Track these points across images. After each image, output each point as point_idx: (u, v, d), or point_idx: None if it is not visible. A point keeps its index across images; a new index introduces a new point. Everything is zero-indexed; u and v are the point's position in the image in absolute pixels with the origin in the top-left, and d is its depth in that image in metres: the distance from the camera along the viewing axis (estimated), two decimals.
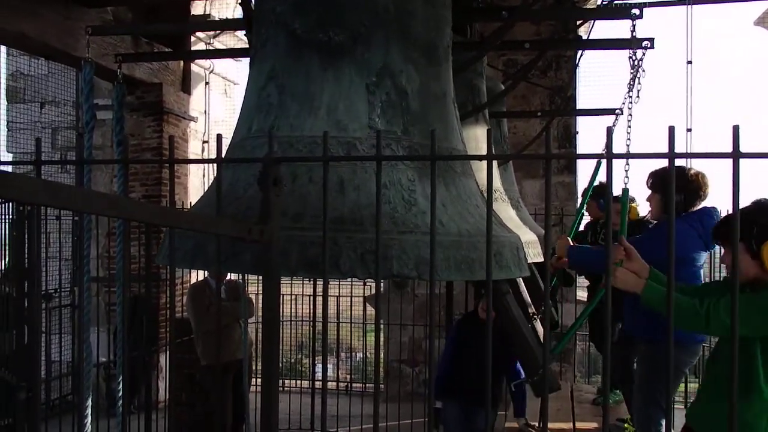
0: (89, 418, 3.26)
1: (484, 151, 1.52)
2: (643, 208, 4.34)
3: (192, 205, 7.02)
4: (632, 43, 2.83)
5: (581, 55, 5.92)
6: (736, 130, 1.35)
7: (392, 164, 1.78)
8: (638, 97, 2.85)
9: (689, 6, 5.76)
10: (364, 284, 8.31)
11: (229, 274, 5.28)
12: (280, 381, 6.72)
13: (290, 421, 6.36)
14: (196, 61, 8.21)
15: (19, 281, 4.26)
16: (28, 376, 3.80)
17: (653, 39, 2.98)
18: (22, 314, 4.23)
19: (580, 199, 5.16)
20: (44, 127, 8.38)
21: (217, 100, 8.92)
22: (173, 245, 1.62)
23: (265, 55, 1.98)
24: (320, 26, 1.88)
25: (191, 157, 8.21)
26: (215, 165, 1.68)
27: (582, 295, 7.78)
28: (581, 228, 4.73)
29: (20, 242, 4.36)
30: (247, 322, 5.29)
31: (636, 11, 2.72)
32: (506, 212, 3.25)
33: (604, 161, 1.48)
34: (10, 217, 4.84)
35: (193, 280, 6.42)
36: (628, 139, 2.82)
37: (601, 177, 3.27)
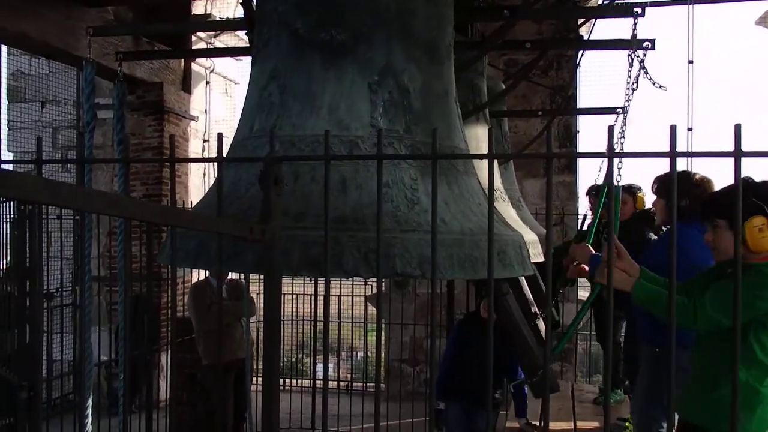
0: (90, 418, 3.27)
1: (484, 151, 1.52)
2: (649, 199, 4.33)
3: (192, 204, 7.03)
4: (633, 44, 2.83)
5: (582, 55, 5.91)
6: (738, 129, 1.35)
7: (395, 163, 1.78)
8: (630, 99, 2.84)
9: (690, 5, 5.75)
10: (365, 283, 8.31)
11: (230, 273, 5.28)
12: (281, 380, 6.72)
13: (291, 420, 6.36)
14: (197, 60, 8.21)
15: (21, 280, 4.26)
16: (30, 376, 3.80)
17: (654, 40, 2.97)
18: (24, 313, 4.23)
19: (587, 201, 5.14)
20: (45, 126, 8.38)
21: (217, 100, 8.92)
22: (174, 245, 1.62)
23: (267, 55, 1.98)
24: (322, 26, 1.88)
25: (192, 156, 8.22)
26: (216, 164, 1.68)
27: (583, 294, 7.78)
28: (584, 227, 4.73)
29: (21, 241, 4.36)
30: (249, 322, 5.29)
31: (638, 10, 2.71)
32: (507, 212, 3.25)
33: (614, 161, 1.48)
34: (12, 216, 4.84)
35: (194, 280, 6.42)
36: (622, 137, 2.82)
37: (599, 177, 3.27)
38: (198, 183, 8.25)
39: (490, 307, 1.53)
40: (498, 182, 3.34)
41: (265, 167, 1.43)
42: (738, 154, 1.35)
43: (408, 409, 6.32)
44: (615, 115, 3.05)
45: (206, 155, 8.42)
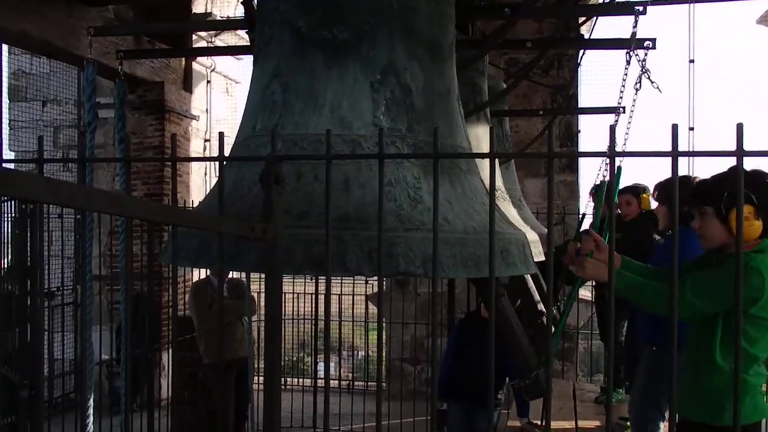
0: (92, 417, 3.27)
1: (486, 150, 1.52)
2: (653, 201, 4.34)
3: (194, 203, 7.04)
4: (633, 42, 2.82)
5: (583, 54, 5.90)
6: (740, 128, 1.35)
7: (397, 162, 1.78)
8: (633, 98, 2.84)
9: (691, 4, 5.74)
10: (366, 282, 8.31)
11: (231, 272, 5.28)
12: (283, 379, 6.71)
13: (292, 419, 6.36)
14: (198, 59, 8.21)
15: (22, 279, 4.26)
16: (31, 374, 3.80)
17: (655, 39, 2.97)
18: (25, 312, 4.23)
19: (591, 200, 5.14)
20: (46, 125, 8.39)
21: (218, 99, 8.92)
22: (176, 244, 1.63)
23: (269, 54, 1.98)
24: (324, 24, 1.88)
25: (193, 155, 8.22)
26: (217, 164, 1.68)
27: (584, 294, 7.78)
28: (585, 227, 4.74)
29: (22, 240, 4.36)
30: (250, 321, 5.29)
31: (639, 8, 2.71)
32: (509, 211, 3.25)
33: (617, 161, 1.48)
34: (13, 215, 4.84)
35: (195, 279, 6.42)
36: (627, 132, 2.82)
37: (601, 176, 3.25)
38: (199, 182, 8.25)
39: (492, 306, 1.53)
40: (499, 181, 3.34)
41: (266, 166, 1.43)
42: (740, 153, 1.35)
43: (409, 408, 6.32)
44: (615, 115, 3.03)
45: (207, 154, 8.42)
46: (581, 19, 5.22)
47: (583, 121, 8.12)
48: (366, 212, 1.69)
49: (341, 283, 8.61)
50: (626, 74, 2.81)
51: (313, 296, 6.51)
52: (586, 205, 4.92)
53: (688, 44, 7.88)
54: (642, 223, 4.65)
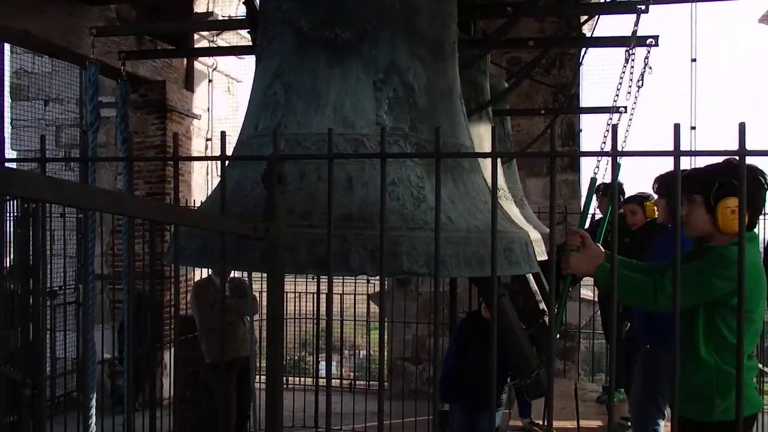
0: (94, 417, 3.27)
1: (488, 149, 1.52)
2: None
3: (196, 202, 7.04)
4: (633, 40, 2.82)
5: (585, 53, 5.90)
6: (742, 127, 1.35)
7: (401, 161, 1.78)
8: (635, 97, 2.84)
9: (693, 3, 5.74)
10: (368, 282, 8.32)
11: (233, 271, 5.29)
12: (284, 378, 6.72)
13: (294, 418, 6.37)
14: (200, 58, 8.21)
15: (24, 278, 4.27)
16: (33, 373, 3.81)
17: (657, 36, 2.97)
18: (27, 311, 4.24)
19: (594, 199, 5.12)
20: (48, 124, 8.39)
21: (220, 98, 8.92)
22: (178, 243, 1.63)
23: (271, 53, 1.98)
24: (326, 24, 1.88)
25: (194, 154, 8.22)
26: (219, 163, 1.68)
27: (585, 293, 7.78)
28: (586, 225, 4.73)
29: (25, 239, 4.36)
30: (252, 320, 5.29)
31: (641, 6, 2.71)
32: (510, 210, 3.25)
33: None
34: (15, 214, 4.85)
35: (197, 278, 6.43)
36: (627, 130, 2.82)
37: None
38: (201, 181, 8.26)
39: (494, 306, 1.53)
40: (502, 180, 3.34)
41: (268, 166, 1.43)
42: (742, 152, 1.35)
43: (411, 407, 6.32)
44: (617, 114, 3.03)
45: (209, 154, 8.43)
46: (583, 18, 5.21)
47: (585, 120, 8.11)
48: (369, 211, 1.69)
49: (343, 282, 8.62)
50: (624, 72, 2.81)
51: (315, 295, 6.52)
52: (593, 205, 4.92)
53: (690, 43, 7.89)
54: (648, 232, 4.62)
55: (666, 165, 4.90)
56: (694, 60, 7.86)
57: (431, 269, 1.65)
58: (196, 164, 8.09)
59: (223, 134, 1.68)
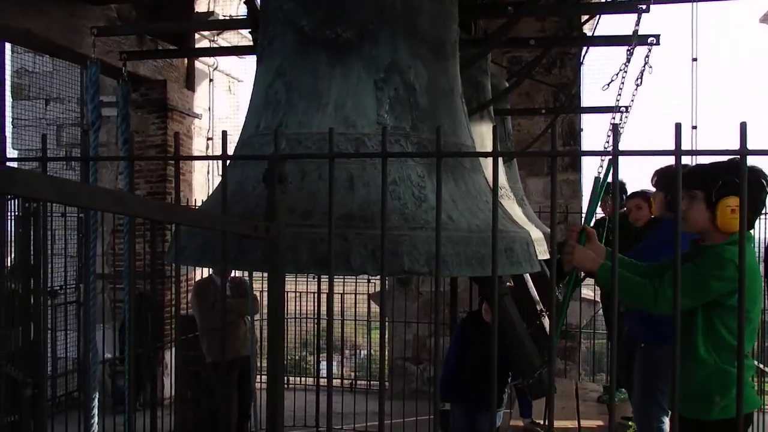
0: (96, 417, 3.27)
1: (489, 148, 1.52)
2: None
3: (197, 201, 7.04)
4: (634, 39, 2.81)
5: (586, 52, 5.90)
6: (743, 126, 1.35)
7: (402, 160, 1.78)
8: (634, 95, 2.83)
9: (694, 3, 5.74)
10: (368, 281, 8.31)
11: (233, 271, 5.29)
12: (285, 378, 6.71)
13: (295, 418, 6.37)
14: (200, 58, 8.22)
15: (25, 278, 4.27)
16: (35, 373, 3.81)
17: (659, 35, 2.97)
18: (28, 311, 4.25)
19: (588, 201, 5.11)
20: (49, 124, 8.40)
21: (221, 97, 8.93)
22: (179, 242, 1.63)
23: (272, 53, 1.98)
24: (327, 23, 1.88)
25: (195, 154, 8.22)
26: (220, 162, 1.68)
27: (586, 293, 7.78)
28: (591, 225, 4.72)
29: (26, 239, 4.37)
30: (253, 320, 5.30)
31: (642, 6, 2.71)
32: (513, 209, 3.25)
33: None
34: (16, 213, 4.85)
35: (198, 277, 6.43)
36: (622, 126, 2.81)
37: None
38: (202, 181, 8.26)
39: (494, 306, 1.53)
40: (503, 180, 3.34)
41: (269, 165, 1.43)
42: (743, 152, 1.35)
43: (411, 407, 6.32)
44: (618, 113, 3.02)
45: (210, 153, 8.43)
46: (584, 18, 5.20)
47: (586, 119, 8.11)
48: (370, 211, 1.69)
49: (344, 281, 8.60)
50: (625, 71, 2.80)
51: (316, 295, 6.52)
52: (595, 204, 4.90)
53: (691, 43, 7.88)
54: (653, 228, 4.61)
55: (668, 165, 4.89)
56: (695, 59, 7.86)
57: (432, 269, 1.65)
58: (197, 164, 8.09)
59: (224, 133, 1.68)
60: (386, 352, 7.77)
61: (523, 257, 1.89)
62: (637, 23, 2.83)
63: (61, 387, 6.60)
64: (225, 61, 8.80)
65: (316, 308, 6.63)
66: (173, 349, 6.19)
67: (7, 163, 3.91)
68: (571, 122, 7.78)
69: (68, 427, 4.93)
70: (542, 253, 3.15)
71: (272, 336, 1.50)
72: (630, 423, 4.45)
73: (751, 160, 1.36)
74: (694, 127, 7.78)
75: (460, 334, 4.47)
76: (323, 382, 6.29)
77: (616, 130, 1.52)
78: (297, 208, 1.67)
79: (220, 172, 1.73)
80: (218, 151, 1.70)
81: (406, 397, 6.63)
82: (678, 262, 1.43)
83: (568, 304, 2.69)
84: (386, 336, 7.67)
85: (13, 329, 4.35)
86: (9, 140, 7.79)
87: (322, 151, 1.74)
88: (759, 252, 4.60)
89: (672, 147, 1.39)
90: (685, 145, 1.39)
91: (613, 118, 2.86)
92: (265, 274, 1.50)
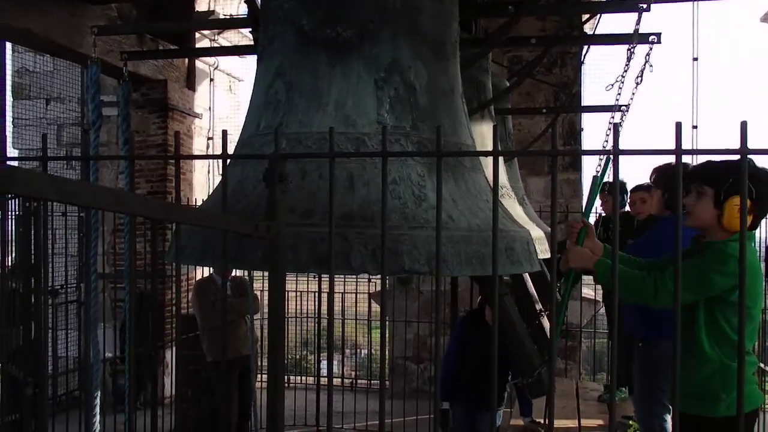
0: (98, 417, 3.28)
1: (490, 148, 1.52)
2: None
3: (197, 201, 7.04)
4: (639, 38, 2.81)
5: (587, 52, 5.90)
6: (744, 126, 1.35)
7: (402, 160, 1.78)
8: (632, 93, 2.83)
9: (695, 2, 5.73)
10: (369, 281, 8.32)
11: (234, 270, 5.29)
12: (286, 377, 6.71)
13: (296, 417, 6.38)
14: (201, 57, 8.22)
15: (26, 277, 4.28)
16: (35, 372, 3.82)
17: (660, 33, 2.97)
18: (29, 310, 4.25)
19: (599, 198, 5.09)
20: (50, 123, 8.40)
21: (221, 97, 8.93)
22: (179, 242, 1.63)
23: (272, 52, 1.98)
24: (328, 22, 1.88)
25: (196, 153, 8.22)
26: (221, 161, 1.68)
27: (587, 292, 7.78)
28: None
29: (26, 238, 4.37)
30: (253, 319, 5.30)
31: (643, 5, 2.71)
32: (513, 208, 3.25)
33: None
34: (16, 213, 4.86)
35: (199, 277, 6.43)
36: (620, 123, 2.81)
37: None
38: (202, 180, 8.26)
39: (495, 306, 1.53)
40: (504, 179, 3.34)
41: (269, 164, 1.43)
42: (744, 151, 1.35)
43: (412, 406, 6.32)
44: (618, 112, 3.02)
45: (210, 152, 8.43)
46: (585, 17, 5.20)
47: (587, 119, 8.11)
48: (370, 210, 1.69)
49: (344, 281, 8.61)
50: (626, 71, 2.80)
51: (316, 294, 6.52)
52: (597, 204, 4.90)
53: (692, 42, 7.88)
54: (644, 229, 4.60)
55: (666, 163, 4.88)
56: (695, 59, 7.86)
57: (432, 268, 1.65)
58: (197, 163, 8.09)
59: (224, 133, 1.68)
60: (387, 352, 7.77)
61: (523, 256, 1.89)
62: (638, 22, 2.83)
63: (61, 386, 6.61)
64: (226, 61, 8.80)
65: (316, 307, 6.64)
66: (174, 349, 6.20)
67: (8, 163, 3.92)
68: (572, 122, 7.78)
69: (69, 426, 4.93)
70: (543, 252, 3.14)
71: (273, 335, 1.50)
72: (631, 422, 4.45)
73: (754, 159, 1.36)
74: (695, 127, 7.79)
75: (460, 333, 4.46)
76: (324, 381, 6.30)
77: (616, 130, 1.52)
78: (297, 207, 1.68)
79: (221, 172, 1.73)
80: (219, 151, 1.70)
81: (407, 397, 6.63)
82: (679, 257, 1.43)
83: (567, 303, 2.69)
84: (387, 335, 7.67)
85: (14, 328, 4.35)
86: (9, 140, 7.79)
87: (323, 150, 1.74)
88: (760, 251, 4.60)
89: (672, 146, 1.39)
90: (686, 145, 1.39)
91: (612, 117, 2.85)
92: (266, 274, 1.50)
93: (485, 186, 1.98)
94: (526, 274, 3.10)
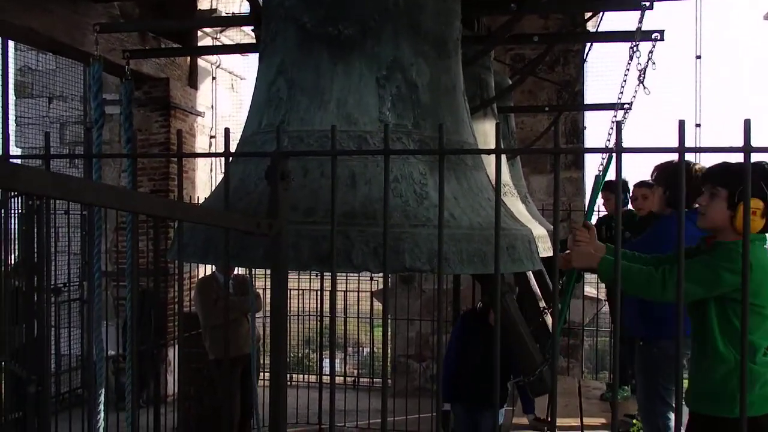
0: (102, 414, 3.28)
1: (492, 146, 1.52)
2: None
3: (199, 199, 7.04)
4: (642, 35, 2.81)
5: (589, 50, 5.88)
6: (747, 124, 1.34)
7: (404, 158, 1.78)
8: (622, 92, 2.83)
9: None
10: (371, 279, 8.32)
11: (236, 268, 5.29)
12: (288, 375, 6.73)
13: (298, 415, 6.38)
14: (203, 55, 8.22)
15: (29, 275, 4.29)
16: (38, 370, 3.82)
17: (663, 31, 2.96)
18: (32, 308, 4.26)
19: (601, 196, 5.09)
20: (52, 122, 8.41)
21: (223, 95, 8.93)
22: (181, 239, 1.63)
23: (274, 50, 1.98)
24: (330, 20, 1.88)
25: (198, 152, 8.23)
26: (223, 160, 1.68)
27: (589, 290, 7.77)
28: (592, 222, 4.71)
29: (29, 236, 4.38)
30: (255, 317, 5.30)
31: (646, 3, 2.70)
32: (516, 206, 3.25)
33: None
34: (19, 211, 4.87)
35: (201, 275, 6.44)
36: (622, 120, 2.80)
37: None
38: (205, 178, 8.27)
39: (497, 304, 1.53)
40: (507, 177, 3.33)
41: (271, 162, 1.43)
42: (747, 149, 1.35)
43: (414, 404, 6.32)
44: (620, 110, 3.02)
45: (213, 151, 8.43)
46: (587, 15, 5.19)
47: (589, 117, 8.09)
48: (372, 208, 1.69)
49: (346, 279, 8.60)
50: (628, 69, 2.79)
51: (318, 293, 6.52)
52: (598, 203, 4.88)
53: (695, 40, 7.86)
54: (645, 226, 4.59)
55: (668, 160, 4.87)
56: (698, 57, 7.84)
57: (434, 266, 1.65)
58: (199, 161, 8.09)
59: (226, 131, 1.68)
60: (389, 350, 7.77)
61: (525, 255, 1.89)
62: (641, 20, 2.83)
63: (64, 384, 6.62)
64: (227, 59, 8.80)
65: (318, 306, 6.64)
66: (176, 346, 6.21)
67: (11, 161, 3.92)
68: (575, 120, 7.77)
69: (72, 424, 4.94)
70: (546, 250, 3.14)
71: (275, 333, 1.50)
72: (634, 421, 4.45)
73: (755, 158, 1.35)
74: (698, 125, 7.77)
75: (461, 332, 4.45)
76: (326, 379, 6.31)
77: (618, 128, 1.52)
78: (299, 205, 1.68)
79: (223, 170, 1.73)
80: (221, 149, 1.70)
81: (409, 395, 6.62)
82: (681, 252, 1.43)
83: (568, 302, 2.69)
84: (389, 333, 7.65)
85: (16, 326, 4.36)
86: (12, 138, 7.81)
87: (324, 148, 1.74)
88: None
89: (676, 144, 1.38)
90: (689, 143, 1.39)
91: (615, 115, 2.85)
92: (268, 272, 1.50)
93: (487, 184, 1.98)
94: (529, 272, 3.10)
